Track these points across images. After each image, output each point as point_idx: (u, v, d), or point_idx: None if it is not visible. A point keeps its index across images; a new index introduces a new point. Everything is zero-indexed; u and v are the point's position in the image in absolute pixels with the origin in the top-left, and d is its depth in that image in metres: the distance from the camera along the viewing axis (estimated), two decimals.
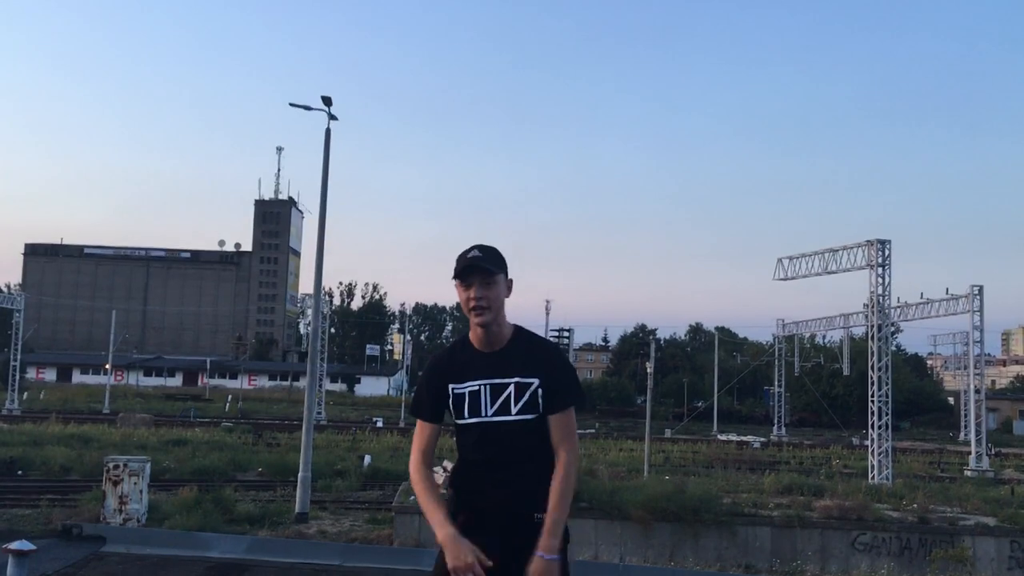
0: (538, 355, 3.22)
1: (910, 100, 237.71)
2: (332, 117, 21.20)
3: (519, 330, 3.29)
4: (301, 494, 20.55)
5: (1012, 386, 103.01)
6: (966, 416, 62.12)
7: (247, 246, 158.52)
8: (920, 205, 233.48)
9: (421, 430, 3.28)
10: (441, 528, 3.07)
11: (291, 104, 21.10)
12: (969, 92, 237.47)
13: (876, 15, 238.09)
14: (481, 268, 3.13)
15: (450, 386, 3.21)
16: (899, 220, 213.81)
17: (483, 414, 3.16)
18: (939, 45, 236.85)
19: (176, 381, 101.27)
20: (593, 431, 54.19)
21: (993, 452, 45.03)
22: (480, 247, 3.21)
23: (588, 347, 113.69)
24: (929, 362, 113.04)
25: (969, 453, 41.69)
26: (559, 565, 3.07)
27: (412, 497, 20.57)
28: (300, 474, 20.76)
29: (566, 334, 42.38)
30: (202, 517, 18.56)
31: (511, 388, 3.15)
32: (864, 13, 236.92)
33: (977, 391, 43.56)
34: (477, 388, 3.17)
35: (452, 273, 3.19)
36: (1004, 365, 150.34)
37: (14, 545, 4.19)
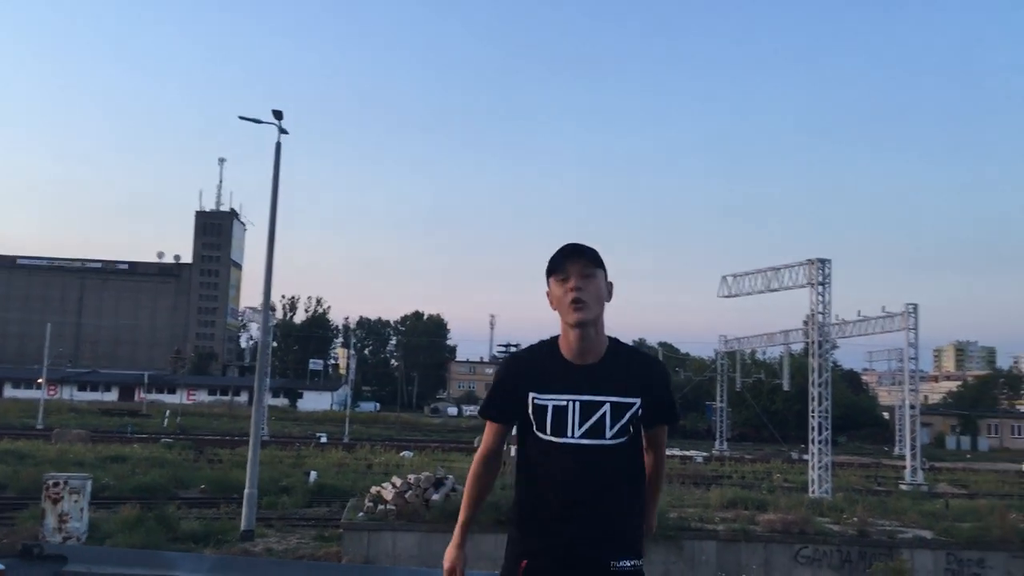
0: (641, 372, 2.81)
1: (844, 123, 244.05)
2: (283, 131, 21.10)
3: (616, 342, 2.86)
4: (247, 511, 20.29)
5: (944, 401, 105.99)
6: (900, 431, 63.74)
7: (187, 258, 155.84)
8: (856, 225, 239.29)
9: (489, 431, 2.94)
10: (456, 529, 2.93)
11: (241, 117, 20.96)
12: (898, 115, 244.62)
13: (812, 39, 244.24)
14: (581, 253, 2.79)
15: (531, 394, 2.79)
16: (837, 240, 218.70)
17: (569, 435, 2.72)
18: (869, 69, 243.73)
19: (112, 396, 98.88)
20: None
21: (927, 466, 46.24)
22: (577, 244, 2.85)
23: None
24: (864, 378, 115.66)
25: (904, 467, 42.76)
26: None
27: (361, 514, 20.46)
28: (246, 491, 20.50)
29: (514, 349, 42.41)
30: (145, 535, 18.23)
31: (606, 408, 2.73)
32: (801, 38, 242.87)
33: (912, 406, 44.73)
34: (564, 404, 2.74)
35: (546, 271, 2.84)
36: (936, 381, 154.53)
37: None
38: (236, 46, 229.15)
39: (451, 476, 22.02)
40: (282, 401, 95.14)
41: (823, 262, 32.08)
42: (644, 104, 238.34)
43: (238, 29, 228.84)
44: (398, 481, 21.19)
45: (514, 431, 2.95)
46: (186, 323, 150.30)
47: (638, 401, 2.75)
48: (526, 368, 2.84)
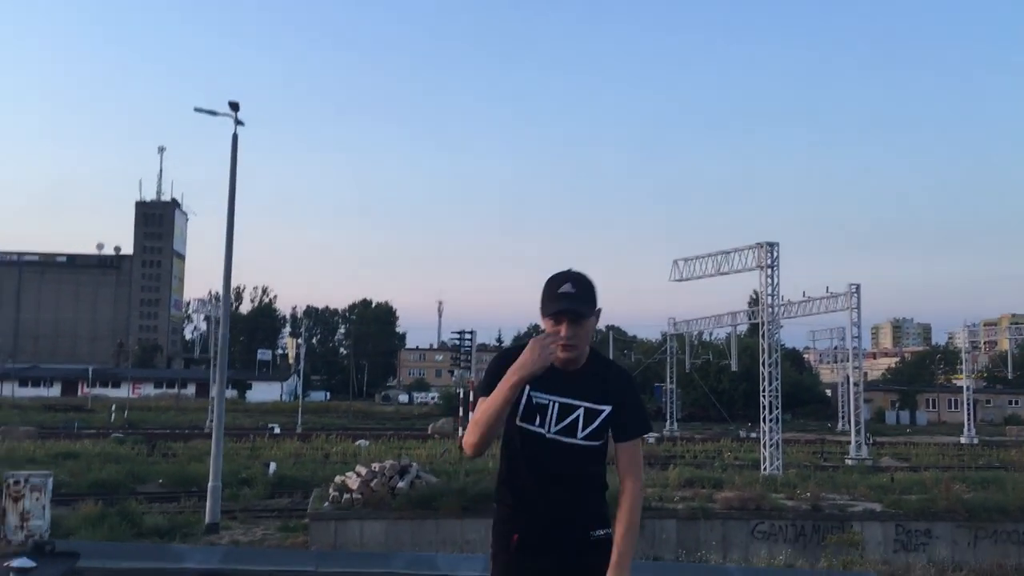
0: (611, 382, 3.10)
1: (782, 107, 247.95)
2: (239, 122, 20.97)
3: (595, 353, 3.15)
4: (211, 504, 20.29)
5: (884, 377, 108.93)
6: (843, 407, 65.49)
7: (127, 249, 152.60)
8: (799, 208, 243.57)
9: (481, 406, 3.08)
10: (507, 377, 2.92)
11: (196, 109, 20.74)
12: (837, 101, 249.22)
13: (753, 24, 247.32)
14: (577, 312, 2.98)
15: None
16: (782, 222, 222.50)
17: (546, 428, 3.04)
18: (805, 53, 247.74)
19: (55, 391, 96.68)
20: None
21: (871, 441, 47.63)
22: (573, 280, 3.03)
23: (483, 348, 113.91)
24: (805, 356, 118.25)
25: (848, 442, 44.00)
26: None
27: (326, 504, 20.57)
28: (210, 484, 20.48)
29: (468, 336, 42.68)
30: (109, 531, 18.16)
31: (580, 412, 3.04)
32: (742, 22, 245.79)
33: (856, 383, 45.98)
34: (546, 402, 3.04)
35: (541, 302, 3.03)
36: (874, 358, 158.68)
37: (15, 563, 4.30)
38: (171, 32, 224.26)
39: (415, 463, 22.25)
40: (231, 392, 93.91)
41: (771, 245, 32.85)
42: (582, 86, 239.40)
43: (172, 16, 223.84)
44: (363, 470, 21.33)
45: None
46: (128, 315, 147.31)
47: (608, 409, 3.05)
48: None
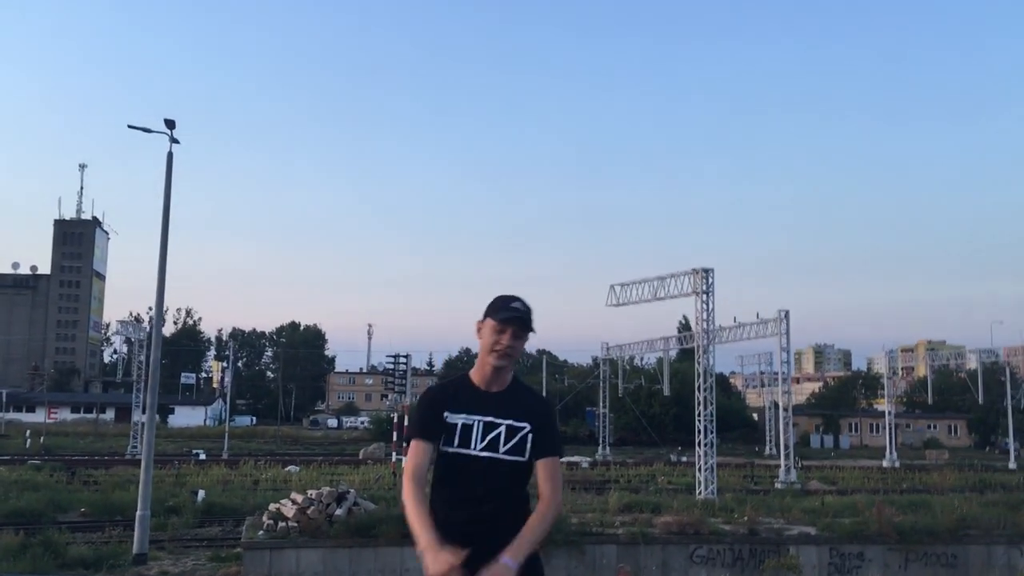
0: (532, 404, 3.42)
1: (711, 136, 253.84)
2: (174, 140, 20.47)
3: (516, 379, 3.47)
4: (139, 534, 19.56)
5: (808, 402, 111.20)
6: (771, 431, 66.67)
7: (45, 268, 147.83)
8: (726, 235, 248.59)
9: (415, 449, 3.32)
10: (423, 535, 3.08)
11: (130, 126, 20.19)
12: (752, 131, 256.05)
13: (681, 55, 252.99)
14: (524, 323, 3.34)
15: (445, 413, 3.32)
16: (710, 249, 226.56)
17: (472, 447, 3.29)
18: (737, 85, 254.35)
19: None
20: None
21: (800, 465, 48.51)
22: (521, 301, 3.39)
23: (414, 372, 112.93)
24: (732, 381, 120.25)
25: (777, 466, 44.73)
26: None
27: (260, 532, 19.97)
28: (138, 512, 19.76)
29: (403, 360, 41.88)
30: (31, 562, 17.32)
31: (502, 429, 3.31)
32: (670, 53, 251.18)
33: (785, 408, 46.84)
34: (471, 423, 3.31)
35: (487, 311, 3.37)
36: (798, 382, 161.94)
37: None
38: (94, 45, 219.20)
39: (352, 490, 21.78)
40: None
41: (707, 271, 33.32)
42: (514, 112, 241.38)
43: (97, 29, 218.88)
44: (299, 497, 20.78)
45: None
46: (44, 337, 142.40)
47: (528, 426, 3.34)
48: (444, 395, 3.41)
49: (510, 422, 3.32)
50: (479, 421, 3.31)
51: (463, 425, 3.31)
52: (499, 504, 3.29)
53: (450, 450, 3.31)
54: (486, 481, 3.28)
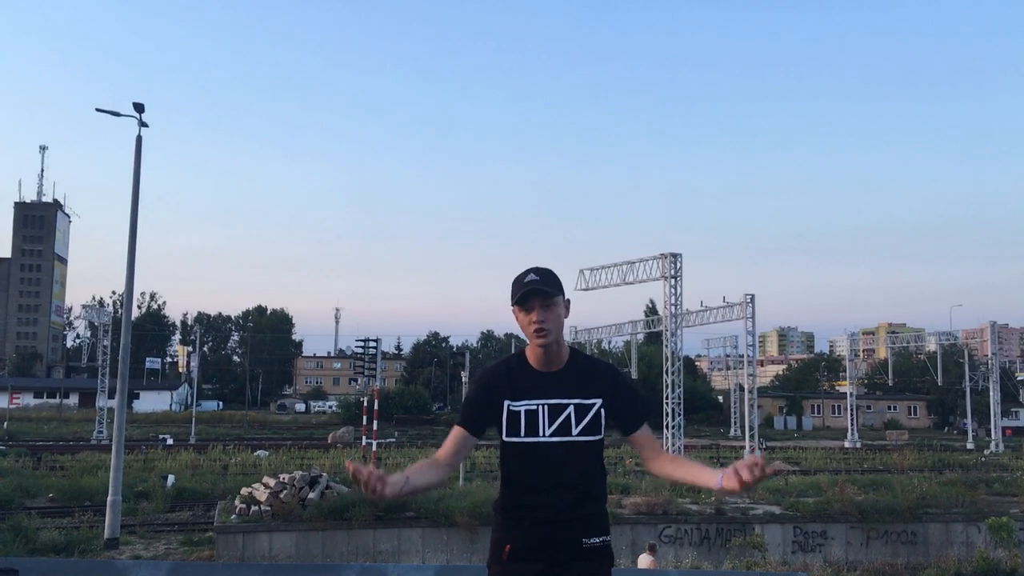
0: (598, 376, 3.16)
1: (670, 121, 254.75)
2: (143, 124, 20.32)
3: (575, 351, 3.22)
4: (111, 519, 19.56)
5: (772, 384, 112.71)
6: (736, 413, 67.59)
7: (5, 252, 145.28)
8: (695, 219, 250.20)
9: (454, 436, 3.14)
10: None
11: (98, 110, 19.94)
12: (729, 116, 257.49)
13: (643, 39, 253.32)
14: (541, 292, 3.06)
15: (506, 402, 3.10)
16: (681, 232, 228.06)
17: (540, 434, 3.06)
18: (694, 74, 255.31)
19: None
20: (394, 440, 54.26)
21: (764, 446, 49.27)
22: (536, 270, 3.13)
23: (383, 356, 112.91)
24: (697, 364, 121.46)
25: (741, 447, 45.43)
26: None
27: (233, 516, 20.06)
28: (110, 498, 19.75)
29: (372, 344, 41.98)
30: (1, 547, 17.28)
31: (570, 409, 3.07)
32: (635, 40, 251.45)
33: (750, 390, 47.52)
34: (535, 408, 3.08)
35: (510, 299, 3.12)
36: (762, 365, 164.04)
37: None
38: (57, 28, 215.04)
39: (325, 474, 21.92)
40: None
41: (675, 256, 33.70)
42: (484, 96, 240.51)
43: (58, 9, 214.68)
44: (271, 481, 20.90)
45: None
46: (5, 321, 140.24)
47: (599, 401, 3.09)
48: (503, 381, 3.14)
49: (578, 400, 3.08)
50: (543, 405, 3.08)
51: (527, 411, 3.08)
52: (581, 489, 3.09)
53: (517, 440, 3.09)
54: (563, 467, 3.05)
